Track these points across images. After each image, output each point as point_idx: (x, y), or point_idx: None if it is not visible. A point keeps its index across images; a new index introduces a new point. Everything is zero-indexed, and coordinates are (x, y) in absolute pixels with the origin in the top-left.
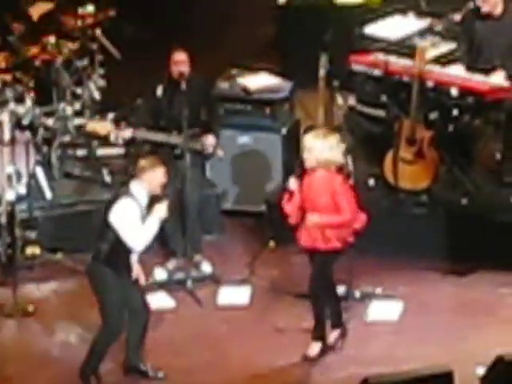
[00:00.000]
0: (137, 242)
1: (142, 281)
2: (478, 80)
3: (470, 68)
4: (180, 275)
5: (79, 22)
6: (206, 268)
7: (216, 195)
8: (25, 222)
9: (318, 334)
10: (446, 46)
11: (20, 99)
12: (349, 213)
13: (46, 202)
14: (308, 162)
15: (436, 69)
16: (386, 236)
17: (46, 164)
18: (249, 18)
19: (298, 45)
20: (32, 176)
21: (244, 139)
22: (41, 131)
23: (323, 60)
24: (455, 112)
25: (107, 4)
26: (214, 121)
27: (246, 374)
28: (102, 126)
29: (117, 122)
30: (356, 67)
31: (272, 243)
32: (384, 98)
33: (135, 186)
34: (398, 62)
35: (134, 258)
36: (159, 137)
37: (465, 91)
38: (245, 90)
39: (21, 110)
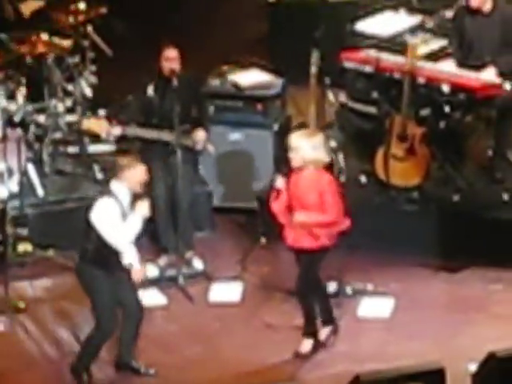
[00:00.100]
0: (118, 241)
1: (137, 279)
2: (469, 76)
3: (462, 64)
4: (171, 272)
5: (71, 19)
6: (198, 265)
7: (207, 192)
8: (16, 218)
9: (310, 330)
10: (438, 43)
11: (11, 96)
12: (334, 212)
13: (37, 199)
14: (294, 162)
15: (427, 65)
16: (377, 232)
17: (38, 161)
18: (239, 14)
19: (289, 42)
20: (23, 173)
21: (235, 136)
22: (32, 128)
23: (314, 57)
24: (446, 108)
25: (98, 1)
26: (204, 117)
27: (238, 370)
28: (97, 124)
29: (108, 119)
30: (347, 64)
31: (263, 240)
32: (375, 95)
33: (115, 185)
34: (389, 59)
35: (133, 258)
36: (150, 133)
37: (456, 88)
38: (236, 86)
39: (12, 107)
